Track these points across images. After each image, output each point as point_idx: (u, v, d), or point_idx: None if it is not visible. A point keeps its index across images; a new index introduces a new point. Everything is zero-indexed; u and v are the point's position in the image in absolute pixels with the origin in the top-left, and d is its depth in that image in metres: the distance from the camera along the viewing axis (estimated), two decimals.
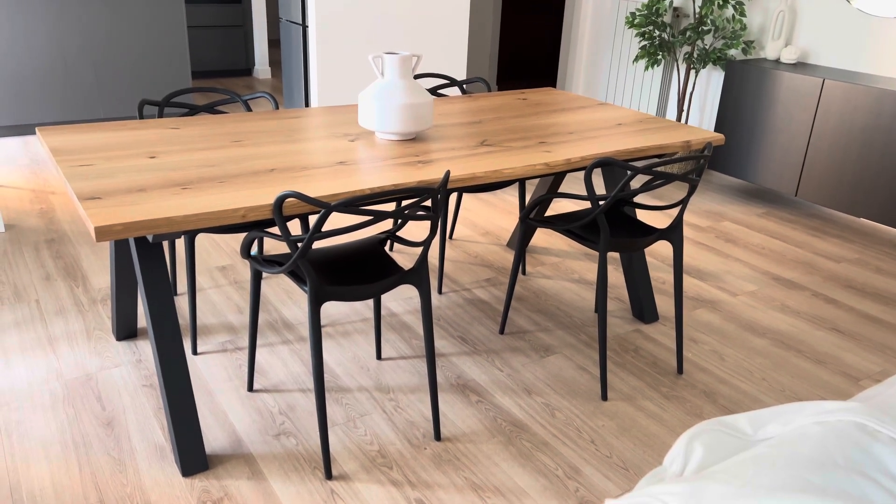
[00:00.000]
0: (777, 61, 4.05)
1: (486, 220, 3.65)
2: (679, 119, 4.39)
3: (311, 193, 1.75)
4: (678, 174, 2.08)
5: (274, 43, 9.38)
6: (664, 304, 2.87)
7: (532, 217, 2.40)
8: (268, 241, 3.36)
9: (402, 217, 1.75)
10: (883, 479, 0.79)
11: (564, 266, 3.16)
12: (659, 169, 3.93)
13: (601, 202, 2.77)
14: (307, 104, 4.58)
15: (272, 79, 7.11)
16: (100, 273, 2.89)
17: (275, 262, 1.90)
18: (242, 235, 3.36)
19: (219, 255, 3.12)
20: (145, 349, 2.39)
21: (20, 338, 2.42)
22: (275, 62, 8.04)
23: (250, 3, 6.92)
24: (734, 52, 4.40)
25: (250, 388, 2.20)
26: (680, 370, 2.41)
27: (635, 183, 4.19)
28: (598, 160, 2.05)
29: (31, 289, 2.74)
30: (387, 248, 3.27)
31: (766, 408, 0.93)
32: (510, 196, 4.03)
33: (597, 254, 3.29)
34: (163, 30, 4.84)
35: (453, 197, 4.01)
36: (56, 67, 4.58)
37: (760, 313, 2.84)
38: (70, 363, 2.30)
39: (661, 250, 3.40)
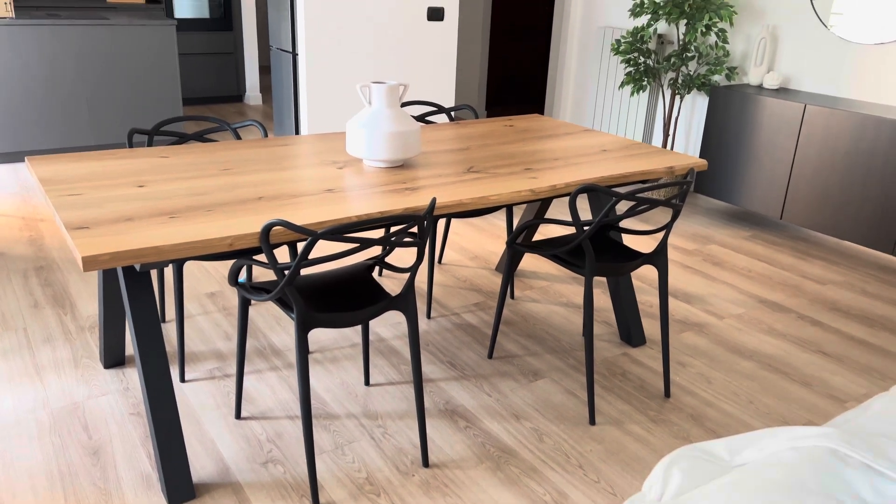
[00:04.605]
0: (760, 87, 4.12)
1: (475, 245, 3.67)
2: (665, 144, 4.45)
3: (299, 221, 1.77)
4: (661, 200, 2.11)
5: (265, 69, 9.45)
6: (651, 327, 2.89)
7: (519, 242, 2.42)
8: (256, 267, 3.37)
9: (388, 244, 1.77)
10: (852, 502, 0.81)
11: (552, 290, 3.18)
12: (642, 195, 3.96)
13: (586, 227, 2.80)
14: (297, 131, 4.62)
15: (263, 105, 7.16)
16: (88, 300, 2.89)
17: (262, 290, 1.91)
18: (231, 262, 3.37)
19: (207, 281, 3.12)
20: (133, 377, 2.38)
21: (7, 366, 2.41)
22: (266, 88, 8.10)
23: (241, 30, 6.99)
24: (718, 78, 4.47)
25: (238, 415, 2.20)
26: (667, 393, 2.42)
27: (620, 208, 4.23)
28: (583, 186, 2.08)
29: (19, 316, 2.74)
30: (375, 273, 3.28)
31: (743, 433, 0.94)
32: (498, 220, 4.06)
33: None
34: (154, 57, 4.88)
35: (442, 221, 4.03)
36: (47, 95, 4.61)
37: (747, 336, 2.86)
38: (57, 392, 2.29)
39: (647, 274, 3.43)
